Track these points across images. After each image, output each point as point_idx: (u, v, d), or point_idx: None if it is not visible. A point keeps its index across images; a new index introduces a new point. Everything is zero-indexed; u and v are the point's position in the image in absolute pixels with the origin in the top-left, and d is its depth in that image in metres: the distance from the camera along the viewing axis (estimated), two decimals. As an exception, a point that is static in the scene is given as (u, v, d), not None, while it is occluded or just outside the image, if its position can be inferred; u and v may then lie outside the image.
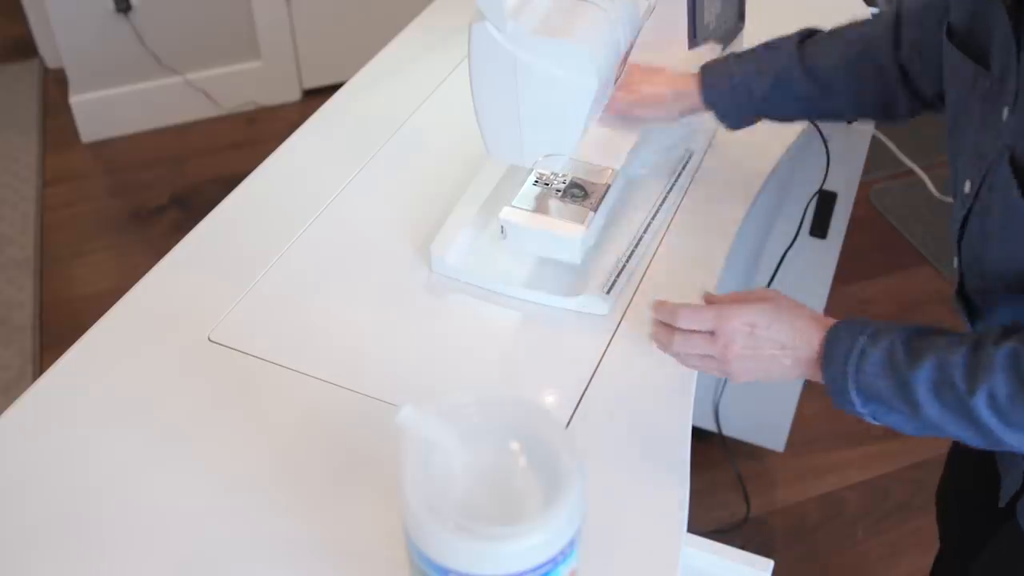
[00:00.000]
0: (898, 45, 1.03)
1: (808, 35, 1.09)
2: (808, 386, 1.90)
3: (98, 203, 2.74)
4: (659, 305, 0.90)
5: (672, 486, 0.87)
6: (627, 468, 0.89)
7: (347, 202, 1.19)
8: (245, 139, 2.96)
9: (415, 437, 0.67)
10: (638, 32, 1.04)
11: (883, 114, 1.09)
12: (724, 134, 1.26)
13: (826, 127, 1.37)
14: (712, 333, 0.86)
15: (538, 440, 0.68)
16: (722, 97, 1.10)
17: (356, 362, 0.99)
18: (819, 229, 1.66)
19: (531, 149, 1.00)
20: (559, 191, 1.09)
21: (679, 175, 1.21)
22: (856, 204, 1.63)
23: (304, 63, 3.06)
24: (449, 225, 1.10)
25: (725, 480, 1.95)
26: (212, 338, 1.01)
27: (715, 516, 1.91)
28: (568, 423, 0.93)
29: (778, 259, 1.45)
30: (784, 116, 1.14)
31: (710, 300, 0.90)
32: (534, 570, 0.64)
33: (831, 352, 0.82)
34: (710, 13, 1.30)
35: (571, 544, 0.66)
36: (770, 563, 0.86)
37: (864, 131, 1.52)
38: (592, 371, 0.98)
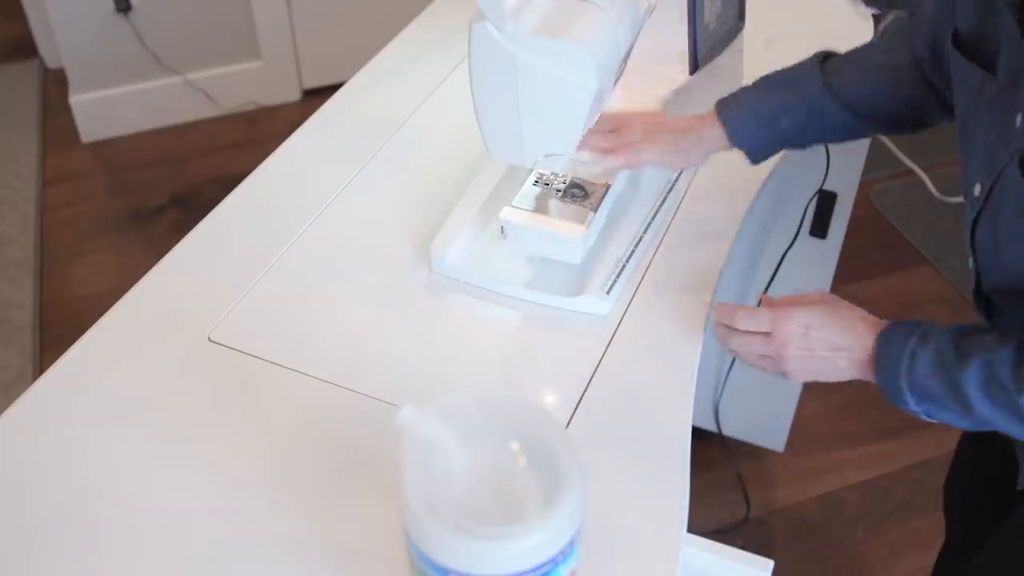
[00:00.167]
0: (920, 63, 1.02)
1: (824, 59, 1.06)
2: (808, 386, 1.90)
3: (98, 203, 2.74)
4: (720, 307, 0.94)
5: (672, 486, 0.87)
6: (627, 468, 0.89)
7: (347, 202, 1.19)
8: (245, 139, 2.96)
9: (415, 437, 0.67)
10: (638, 32, 1.04)
11: (916, 128, 1.09)
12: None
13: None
14: (769, 334, 0.90)
15: (538, 440, 0.68)
16: (751, 135, 1.07)
17: (356, 362, 0.99)
18: (819, 229, 1.66)
19: (531, 149, 1.00)
20: (559, 191, 1.09)
21: (679, 175, 1.21)
22: (856, 204, 1.63)
23: (304, 63, 3.06)
24: (449, 225, 1.10)
25: (725, 480, 1.95)
26: (212, 338, 1.01)
27: (715, 516, 1.91)
28: (568, 423, 0.93)
29: (778, 259, 1.45)
30: (809, 144, 1.11)
31: (767, 302, 0.93)
32: (534, 570, 0.64)
33: (884, 354, 0.85)
34: (710, 13, 1.30)
35: (571, 544, 0.66)
36: (770, 563, 0.86)
37: (864, 131, 1.52)
38: (592, 371, 0.98)
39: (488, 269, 1.08)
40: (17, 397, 0.95)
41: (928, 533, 1.89)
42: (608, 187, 1.10)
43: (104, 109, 2.89)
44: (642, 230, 1.12)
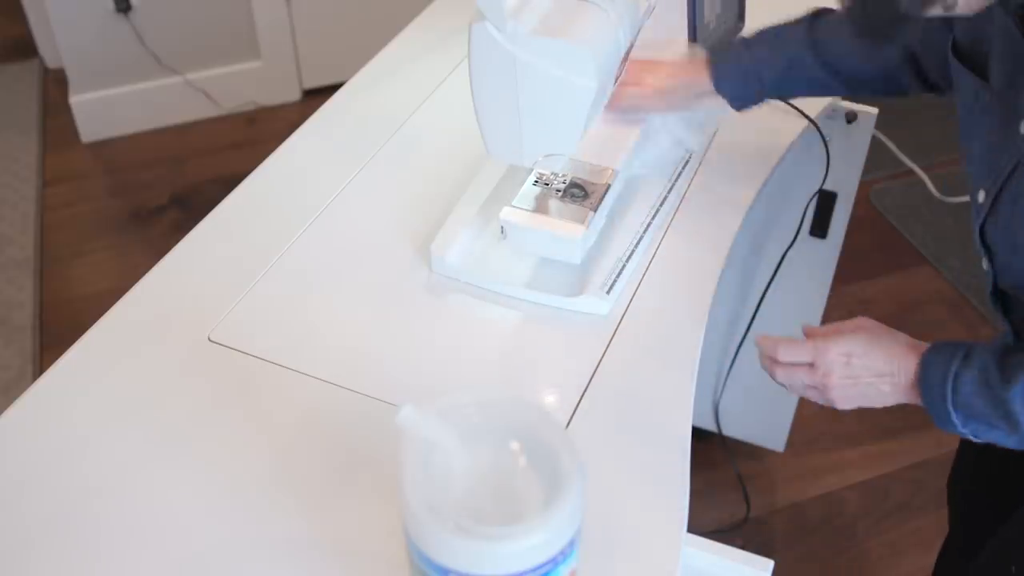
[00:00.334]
0: (904, 34, 1.03)
1: (817, 15, 1.09)
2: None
3: (98, 203, 2.74)
4: (762, 340, 0.96)
5: (672, 486, 0.87)
6: (627, 468, 0.89)
7: (347, 202, 1.19)
8: (245, 139, 2.96)
9: (415, 437, 0.67)
10: (638, 32, 1.04)
11: (889, 94, 1.12)
12: (724, 134, 1.27)
13: (826, 127, 1.37)
14: (812, 365, 0.91)
15: (538, 440, 0.68)
16: (735, 84, 1.10)
17: (356, 362, 0.99)
18: (819, 229, 1.66)
19: (531, 149, 1.00)
20: (559, 191, 1.09)
21: (679, 175, 1.21)
22: (856, 204, 1.63)
23: (304, 63, 3.06)
24: (449, 225, 1.10)
25: (725, 480, 1.95)
26: (212, 338, 1.01)
27: (715, 516, 1.91)
28: (568, 423, 0.93)
29: (778, 259, 1.45)
30: (789, 96, 1.16)
31: (809, 333, 0.95)
32: (534, 570, 0.64)
33: (927, 377, 0.86)
34: (710, 13, 1.30)
35: (571, 544, 0.66)
36: (770, 563, 0.86)
37: (864, 131, 1.52)
38: (592, 371, 0.98)
39: (488, 269, 1.08)
40: (17, 397, 0.95)
41: (928, 533, 1.89)
42: (608, 187, 1.10)
43: (104, 109, 2.89)
44: (642, 230, 1.12)
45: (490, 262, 1.09)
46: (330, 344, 1.01)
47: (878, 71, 1.07)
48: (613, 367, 0.98)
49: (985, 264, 0.93)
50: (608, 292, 1.04)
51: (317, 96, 2.97)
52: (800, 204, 1.51)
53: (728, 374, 1.79)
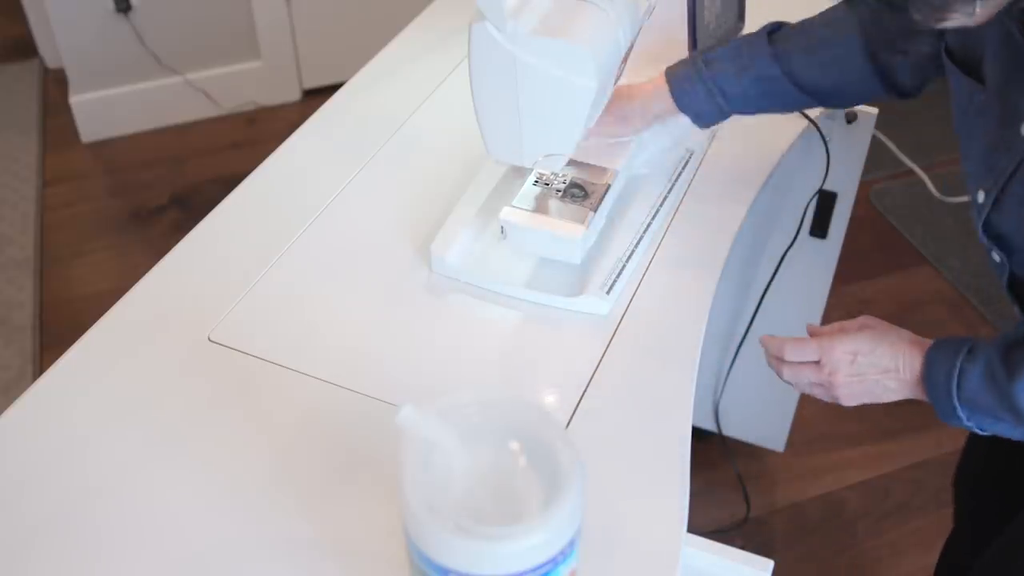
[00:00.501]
0: (868, 44, 1.02)
1: (775, 29, 1.07)
2: (808, 386, 1.89)
3: (98, 203, 2.74)
4: (768, 340, 0.97)
5: (672, 486, 0.87)
6: (627, 468, 0.89)
7: (347, 202, 1.19)
8: (245, 139, 2.96)
9: (415, 437, 0.67)
10: (638, 32, 1.04)
11: (859, 102, 1.12)
12: (724, 135, 1.26)
13: (826, 127, 1.37)
14: (818, 363, 0.93)
15: (538, 440, 0.68)
16: (696, 101, 1.09)
17: (356, 362, 0.99)
18: (819, 229, 1.66)
19: (531, 149, 1.00)
20: (559, 191, 1.09)
21: (679, 175, 1.21)
22: (856, 204, 1.63)
23: (304, 63, 3.06)
24: (449, 225, 1.10)
25: (725, 480, 1.95)
26: (212, 338, 1.01)
27: (715, 516, 1.91)
28: (568, 423, 0.93)
29: (778, 259, 1.45)
30: (756, 112, 1.13)
31: (813, 332, 0.96)
32: (534, 570, 0.64)
33: (932, 373, 0.87)
34: (710, 13, 1.30)
35: (571, 544, 0.66)
36: (770, 563, 0.86)
37: (864, 131, 1.52)
38: (592, 371, 0.98)
39: (488, 269, 1.08)
40: (17, 397, 0.95)
41: (928, 533, 1.89)
42: (608, 187, 1.10)
43: (104, 109, 2.89)
44: (642, 230, 1.12)
45: (490, 262, 1.09)
46: (330, 344, 1.01)
47: (841, 77, 1.05)
48: (613, 367, 0.98)
49: (997, 256, 0.93)
50: (608, 292, 1.04)
51: (317, 96, 2.97)
52: (800, 204, 1.51)
53: (728, 374, 1.79)
